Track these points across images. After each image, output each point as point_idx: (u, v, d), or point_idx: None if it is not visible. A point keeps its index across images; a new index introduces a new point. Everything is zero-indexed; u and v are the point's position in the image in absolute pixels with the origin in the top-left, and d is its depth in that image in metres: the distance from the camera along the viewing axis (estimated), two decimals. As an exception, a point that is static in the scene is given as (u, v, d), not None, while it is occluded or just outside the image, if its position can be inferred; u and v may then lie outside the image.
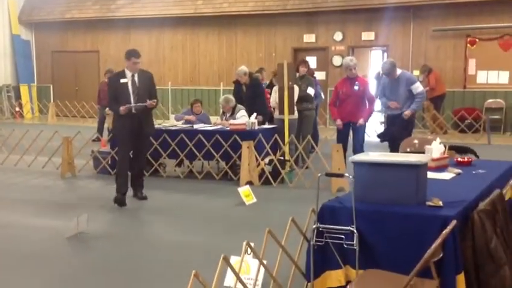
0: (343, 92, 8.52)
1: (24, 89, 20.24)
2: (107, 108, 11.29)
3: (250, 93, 9.79)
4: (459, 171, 4.69)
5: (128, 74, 7.16)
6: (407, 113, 7.98)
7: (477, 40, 14.99)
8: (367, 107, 8.57)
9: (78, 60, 19.93)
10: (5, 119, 19.02)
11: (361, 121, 8.43)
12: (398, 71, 8.11)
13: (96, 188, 8.51)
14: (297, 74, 10.16)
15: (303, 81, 9.89)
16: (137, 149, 7.40)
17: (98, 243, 5.65)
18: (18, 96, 20.10)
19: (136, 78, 7.16)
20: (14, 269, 4.92)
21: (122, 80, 7.13)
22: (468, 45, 15.09)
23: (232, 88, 10.65)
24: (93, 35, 19.62)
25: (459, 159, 5.20)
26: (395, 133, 7.84)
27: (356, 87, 8.47)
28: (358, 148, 8.38)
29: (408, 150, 6.13)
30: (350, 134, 8.74)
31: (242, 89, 10.00)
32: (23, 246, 5.52)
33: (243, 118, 9.11)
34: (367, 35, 16.17)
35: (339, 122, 8.56)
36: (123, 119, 7.10)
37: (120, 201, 7.08)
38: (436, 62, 15.34)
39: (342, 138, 8.64)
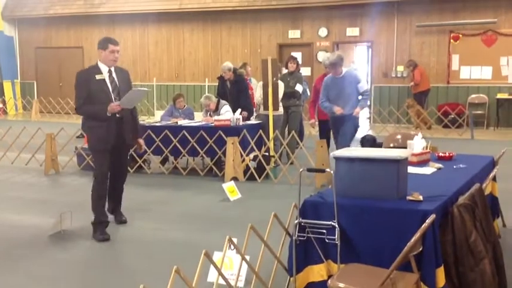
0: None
1: (7, 86, 20.04)
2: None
3: (235, 89, 9.79)
4: (440, 165, 4.74)
5: (104, 69, 5.70)
6: (358, 110, 7.56)
7: (460, 36, 15.11)
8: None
9: (62, 57, 19.77)
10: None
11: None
12: (344, 70, 7.66)
13: (80, 184, 8.46)
14: (286, 70, 10.19)
15: (292, 78, 9.92)
16: (120, 164, 5.98)
17: (81, 240, 5.62)
18: (1, 93, 19.90)
19: (114, 75, 5.74)
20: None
21: (98, 77, 5.65)
22: (452, 40, 15.21)
23: (217, 84, 10.65)
24: (77, 31, 19.48)
25: (441, 154, 5.25)
26: (350, 133, 7.65)
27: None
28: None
29: (391, 145, 6.18)
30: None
31: (226, 84, 10.01)
32: (5, 244, 5.48)
33: (227, 114, 9.11)
34: (352, 31, 16.24)
35: (312, 121, 8.92)
36: (106, 124, 5.64)
37: (104, 234, 5.65)
38: (420, 57, 15.44)
39: (325, 134, 8.68)
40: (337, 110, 7.54)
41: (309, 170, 3.95)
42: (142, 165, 9.15)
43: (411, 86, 14.98)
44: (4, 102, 19.73)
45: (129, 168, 8.95)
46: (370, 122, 15.58)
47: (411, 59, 15.18)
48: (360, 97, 7.64)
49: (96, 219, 5.71)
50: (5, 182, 8.62)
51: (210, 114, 9.43)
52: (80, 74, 5.84)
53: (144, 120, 10.95)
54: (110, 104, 5.58)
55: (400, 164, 3.61)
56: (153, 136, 8.83)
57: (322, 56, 16.13)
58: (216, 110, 9.39)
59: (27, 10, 19.67)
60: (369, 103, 7.88)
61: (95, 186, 5.80)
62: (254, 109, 11.05)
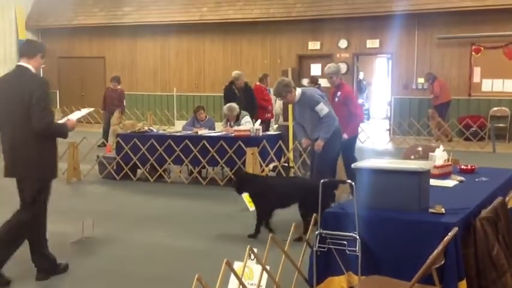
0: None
1: (30, 95, 20.33)
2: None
3: (246, 98, 10.25)
4: (462, 178, 4.72)
5: None
6: (318, 143, 6.50)
7: (482, 48, 14.99)
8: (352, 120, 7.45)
9: (84, 66, 20.03)
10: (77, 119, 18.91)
11: (344, 136, 7.09)
12: (298, 91, 6.62)
13: (101, 193, 8.56)
14: (307, 83, 10.32)
15: None
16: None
17: (103, 247, 5.68)
18: (24, 102, 20.19)
19: None
20: (19, 274, 4.95)
21: None
22: (473, 53, 15.10)
23: (223, 90, 11.16)
24: (100, 42, 19.73)
25: (462, 166, 5.22)
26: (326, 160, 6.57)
27: (336, 99, 7.50)
28: (347, 166, 7.10)
29: (412, 157, 6.16)
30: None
31: (235, 92, 10.48)
32: (27, 251, 5.55)
33: (247, 124, 9.15)
34: (372, 43, 16.21)
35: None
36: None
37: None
38: (441, 69, 15.35)
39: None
40: (303, 143, 6.79)
41: (330, 181, 3.96)
42: (163, 174, 9.21)
43: (432, 99, 14.91)
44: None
45: (149, 177, 9.07)
46: (390, 134, 15.51)
47: (430, 72, 15.12)
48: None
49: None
50: (27, 190, 8.73)
51: (230, 125, 9.47)
52: (47, 82, 4.69)
53: (164, 130, 11.07)
54: (72, 120, 4.82)
55: (422, 176, 3.60)
56: (174, 146, 8.89)
57: (346, 68, 16.10)
58: (237, 120, 9.44)
59: (51, 20, 19.99)
60: (330, 132, 6.52)
61: (32, 226, 4.69)
62: (273, 119, 11.15)
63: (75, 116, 4.96)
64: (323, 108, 6.45)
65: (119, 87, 13.73)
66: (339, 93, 7.48)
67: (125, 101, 14.12)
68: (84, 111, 5.22)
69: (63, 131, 4.69)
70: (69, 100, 20.04)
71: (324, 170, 6.47)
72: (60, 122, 4.79)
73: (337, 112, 7.12)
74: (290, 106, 9.08)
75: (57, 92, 20.70)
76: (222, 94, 11.28)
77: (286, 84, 6.57)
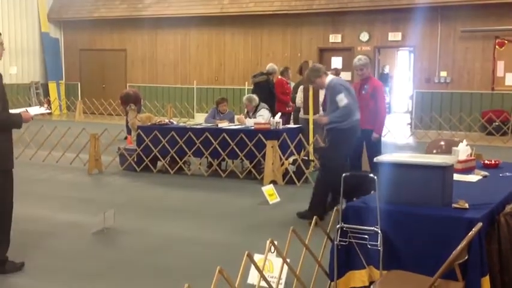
0: None
1: (52, 86, 20.56)
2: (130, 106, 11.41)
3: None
4: (486, 173, 4.65)
5: None
6: (324, 118, 6.58)
7: (506, 42, 14.75)
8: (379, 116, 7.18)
9: (105, 59, 20.16)
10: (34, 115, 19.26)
11: (374, 135, 7.09)
12: (328, 78, 6.50)
13: (122, 184, 8.62)
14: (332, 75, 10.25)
15: None
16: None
17: (124, 238, 5.72)
18: (46, 93, 20.43)
19: None
20: (41, 264, 5.01)
21: None
22: (497, 46, 14.87)
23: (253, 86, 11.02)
24: (121, 34, 19.84)
25: (486, 161, 5.15)
26: None
27: (363, 91, 7.21)
28: (372, 162, 6.65)
29: (434, 151, 6.08)
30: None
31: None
32: (50, 241, 5.62)
33: (259, 118, 9.15)
34: (394, 36, 16.05)
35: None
36: (10, 136, 4.65)
37: None
38: (464, 63, 15.16)
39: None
40: (321, 119, 6.80)
41: (352, 174, 3.92)
42: (183, 166, 9.24)
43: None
44: (49, 103, 20.22)
45: (169, 169, 9.11)
46: (411, 127, 15.37)
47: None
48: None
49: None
50: (49, 181, 8.84)
51: (249, 115, 9.52)
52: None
53: (185, 122, 11.10)
54: (28, 113, 4.71)
55: (446, 170, 3.55)
56: (194, 138, 8.91)
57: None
58: (255, 112, 9.45)
59: (72, 13, 20.15)
60: (340, 117, 6.36)
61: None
62: (293, 113, 11.13)
63: (33, 110, 4.93)
64: (342, 99, 6.24)
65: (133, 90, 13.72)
66: (366, 85, 7.20)
67: (142, 100, 13.90)
68: (42, 110, 5.20)
69: (17, 120, 4.60)
70: (90, 92, 20.24)
71: (329, 164, 6.28)
72: (16, 111, 4.73)
73: (364, 105, 6.96)
74: (311, 99, 9.05)
75: (79, 84, 20.91)
76: (252, 86, 11.13)
77: (317, 69, 6.49)
